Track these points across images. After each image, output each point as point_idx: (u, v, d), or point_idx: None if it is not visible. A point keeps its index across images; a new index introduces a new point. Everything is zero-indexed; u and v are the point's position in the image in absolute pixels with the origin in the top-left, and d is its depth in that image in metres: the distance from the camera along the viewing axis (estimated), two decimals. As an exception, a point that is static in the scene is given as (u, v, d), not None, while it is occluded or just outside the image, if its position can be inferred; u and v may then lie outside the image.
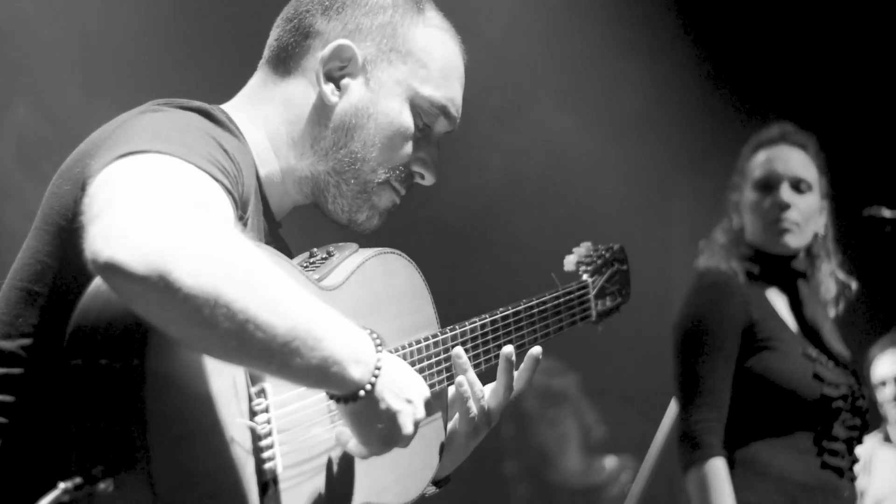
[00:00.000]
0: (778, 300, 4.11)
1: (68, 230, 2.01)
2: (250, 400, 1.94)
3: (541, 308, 2.60)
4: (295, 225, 2.53)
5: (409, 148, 2.35)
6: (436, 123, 2.38)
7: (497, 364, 2.45)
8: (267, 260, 1.83)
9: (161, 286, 1.70)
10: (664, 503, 6.22)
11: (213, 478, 1.87)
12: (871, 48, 6.63)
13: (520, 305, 2.55)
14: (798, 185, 4.12)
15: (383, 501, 2.22)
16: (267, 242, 2.23)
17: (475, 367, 2.41)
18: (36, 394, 2.02)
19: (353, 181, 2.32)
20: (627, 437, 6.11)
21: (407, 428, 2.02)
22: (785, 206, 4.08)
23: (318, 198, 2.34)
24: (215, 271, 1.73)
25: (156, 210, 1.73)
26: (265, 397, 1.96)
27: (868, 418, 4.05)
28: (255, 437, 1.94)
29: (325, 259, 2.21)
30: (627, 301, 2.91)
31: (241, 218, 2.05)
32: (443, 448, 2.41)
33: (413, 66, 2.34)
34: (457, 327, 2.38)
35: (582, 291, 2.75)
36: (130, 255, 1.69)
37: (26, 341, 2.04)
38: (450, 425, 2.47)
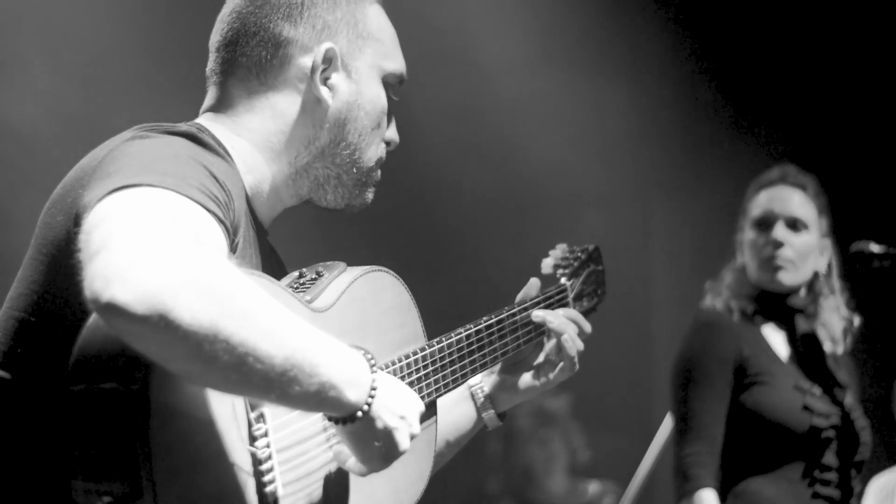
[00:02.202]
0: (774, 336, 4.26)
1: (62, 261, 2.03)
2: (250, 425, 1.99)
3: (523, 314, 2.67)
4: (279, 227, 2.57)
5: (385, 123, 2.43)
6: (396, 91, 2.46)
7: (485, 369, 2.58)
8: (261, 290, 1.87)
9: (161, 325, 1.74)
10: None
11: (216, 504, 1.91)
12: (861, 70, 6.66)
13: (503, 313, 2.62)
14: (794, 224, 4.25)
15: None
16: (258, 255, 2.27)
17: (462, 377, 2.48)
18: (31, 422, 2.05)
19: (354, 170, 2.39)
20: (612, 463, 6.17)
21: (404, 444, 2.08)
22: (778, 244, 4.21)
23: (317, 192, 2.40)
24: (213, 307, 1.77)
25: (152, 248, 1.77)
26: (264, 422, 2.01)
27: (863, 448, 4.17)
28: (256, 462, 1.98)
29: (315, 279, 2.24)
30: (604, 300, 2.96)
31: (233, 242, 2.08)
32: (433, 458, 2.46)
33: (376, 47, 2.40)
34: (443, 339, 2.44)
35: (561, 295, 2.81)
36: (130, 297, 1.72)
37: (23, 370, 2.07)
38: (535, 372, 2.72)
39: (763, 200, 4.31)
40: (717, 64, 6.75)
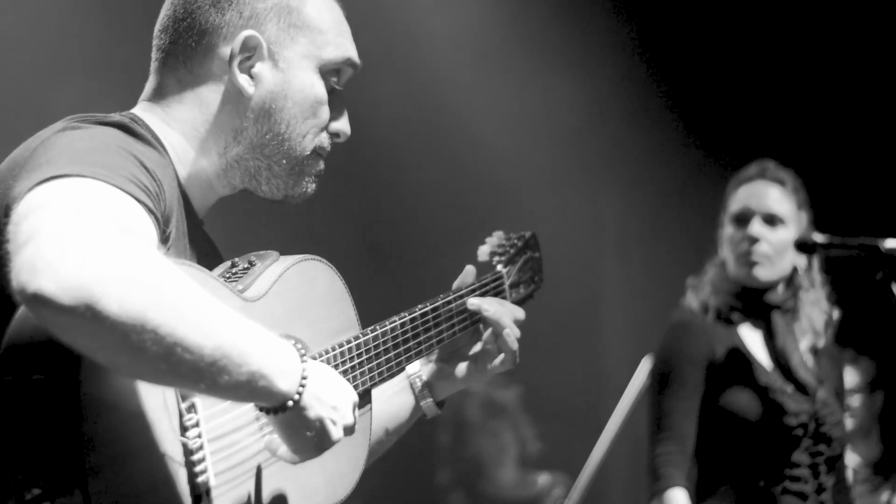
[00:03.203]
0: (750, 334, 4.31)
1: None
2: (181, 415, 1.99)
3: (458, 301, 2.66)
4: (218, 218, 2.56)
5: (326, 114, 2.39)
6: (342, 77, 2.43)
7: (420, 357, 2.57)
8: (190, 280, 1.87)
9: (88, 316, 1.73)
10: None
11: (147, 496, 1.92)
12: (808, 62, 6.70)
13: (438, 301, 2.61)
14: (771, 220, 4.28)
15: None
16: (192, 245, 2.26)
17: (397, 365, 2.48)
18: None
19: (284, 161, 2.36)
20: (562, 454, 6.19)
21: (336, 434, 2.08)
22: (754, 240, 4.24)
23: (250, 183, 2.38)
24: (141, 297, 1.77)
25: (80, 239, 1.76)
26: (195, 412, 2.01)
27: (835, 444, 4.24)
28: (188, 452, 1.98)
29: (247, 269, 2.24)
30: (540, 287, 2.96)
31: (165, 233, 2.08)
32: (369, 446, 2.46)
33: (312, 36, 2.37)
34: (377, 328, 2.43)
35: (497, 282, 2.80)
36: (57, 287, 1.72)
37: None
38: (472, 362, 2.72)
39: (741, 196, 4.34)
40: (664, 57, 6.77)
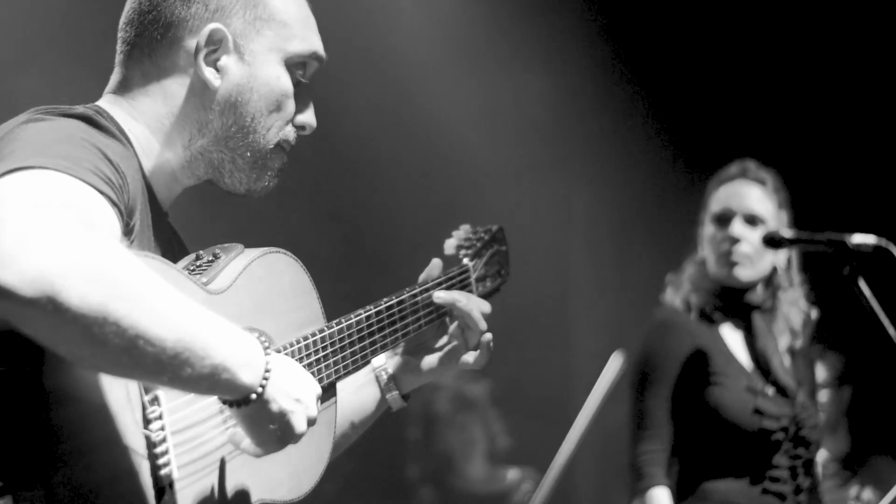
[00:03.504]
0: (732, 334, 4.32)
1: None
2: (144, 408, 1.98)
3: (424, 295, 2.66)
4: (185, 210, 2.56)
5: (291, 107, 2.39)
6: (308, 70, 2.42)
7: (386, 350, 2.57)
8: (153, 273, 1.87)
9: (50, 309, 1.73)
10: None
11: (110, 488, 1.91)
12: (776, 57, 6.72)
13: (403, 294, 2.61)
14: (752, 220, 4.28)
15: (277, 497, 2.27)
16: (156, 237, 2.26)
17: (363, 359, 2.48)
18: None
19: (248, 154, 2.35)
20: (531, 449, 6.20)
21: (299, 427, 2.08)
22: (735, 240, 4.24)
23: (214, 174, 2.37)
24: (103, 290, 1.77)
25: (42, 231, 1.76)
26: (159, 404, 2.00)
27: (813, 447, 4.26)
28: (150, 445, 1.98)
29: (212, 262, 2.23)
30: (507, 281, 2.96)
31: (128, 225, 2.08)
32: (334, 439, 2.46)
33: (278, 29, 2.36)
34: (343, 321, 2.43)
35: (463, 276, 2.80)
36: (18, 280, 1.72)
37: None
38: (442, 354, 2.72)
39: (722, 196, 4.34)
40: (635, 53, 6.78)
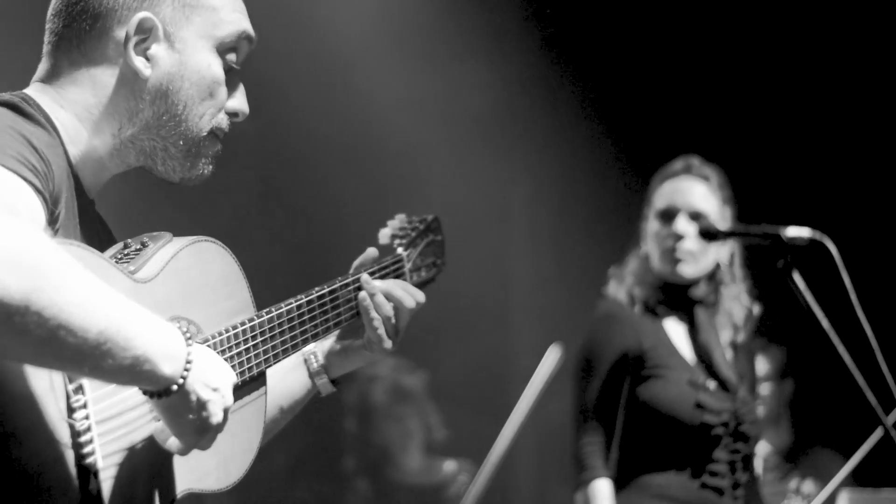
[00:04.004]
0: (675, 328, 4.32)
1: None
2: (68, 397, 1.96)
3: (356, 284, 2.65)
4: (114, 199, 2.53)
5: (223, 94, 2.37)
6: (238, 54, 2.40)
7: (317, 340, 2.56)
8: (76, 263, 1.85)
9: None
10: None
11: (34, 478, 1.90)
12: (716, 52, 6.74)
13: (335, 283, 2.60)
14: (696, 216, 4.27)
15: (205, 486, 2.25)
16: (82, 225, 2.23)
17: (293, 347, 2.46)
18: None
19: (181, 142, 2.33)
20: (467, 441, 6.19)
21: (216, 416, 2.07)
22: (679, 237, 4.23)
23: (146, 162, 2.35)
24: (24, 279, 1.75)
25: None
26: (83, 393, 1.98)
27: (752, 442, 4.28)
28: (75, 434, 1.96)
29: (140, 250, 2.21)
30: (442, 271, 2.95)
31: (53, 213, 2.06)
32: (264, 428, 2.44)
33: (207, 15, 2.34)
34: (273, 310, 2.41)
35: (397, 265, 2.79)
36: None
37: None
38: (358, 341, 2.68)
39: (666, 192, 4.34)
40: (575, 47, 6.79)
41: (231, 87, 2.39)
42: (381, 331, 2.66)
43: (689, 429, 4.13)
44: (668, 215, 4.31)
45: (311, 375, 2.71)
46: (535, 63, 6.72)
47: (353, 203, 6.19)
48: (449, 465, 6.19)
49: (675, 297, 4.31)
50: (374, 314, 2.65)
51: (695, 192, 4.32)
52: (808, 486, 5.89)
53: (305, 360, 2.71)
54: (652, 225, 4.33)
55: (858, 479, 5.30)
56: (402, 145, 6.46)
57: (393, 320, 2.68)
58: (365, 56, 6.35)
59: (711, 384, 4.21)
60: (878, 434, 4.56)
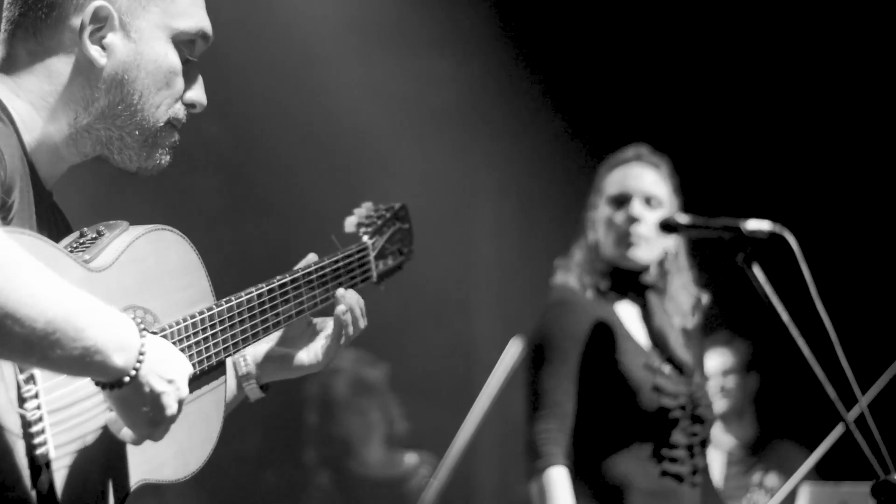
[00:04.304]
0: (627, 312, 4.27)
1: None
2: (19, 387, 1.95)
3: (319, 273, 2.62)
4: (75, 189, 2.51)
5: (180, 84, 2.35)
6: (196, 49, 2.39)
7: (279, 329, 2.52)
8: (25, 252, 1.84)
9: None
10: (462, 500, 6.32)
11: (-16, 468, 1.87)
12: (675, 48, 6.76)
13: (297, 272, 2.57)
14: (649, 201, 4.26)
15: (161, 477, 2.23)
16: (38, 215, 2.21)
17: (254, 336, 2.44)
18: None
19: (136, 132, 2.31)
20: (429, 434, 6.18)
21: (171, 408, 2.05)
22: (634, 220, 4.22)
23: (103, 151, 2.33)
24: None
25: None
26: (34, 383, 1.97)
27: (707, 426, 4.23)
28: (26, 424, 1.94)
29: (95, 239, 2.19)
30: (410, 259, 2.93)
31: (6, 203, 2.04)
32: (222, 418, 2.42)
33: (164, 6, 2.32)
34: (232, 298, 2.39)
35: (362, 253, 2.76)
36: None
37: None
38: (309, 350, 2.64)
39: (619, 178, 4.31)
40: (536, 40, 6.80)
41: (188, 79, 2.37)
42: (342, 342, 2.66)
43: (647, 412, 4.09)
44: (621, 200, 4.28)
45: (238, 379, 2.65)
46: (498, 57, 6.72)
47: (317, 193, 6.16)
48: (410, 458, 6.17)
49: (625, 282, 4.28)
50: (351, 330, 2.64)
51: (647, 178, 4.30)
52: (772, 479, 5.90)
53: (234, 364, 2.65)
54: (603, 211, 4.30)
55: (821, 472, 5.33)
56: (368, 137, 6.45)
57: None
58: (330, 49, 6.34)
59: (667, 367, 4.18)
60: (839, 430, 4.58)
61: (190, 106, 2.38)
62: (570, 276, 4.30)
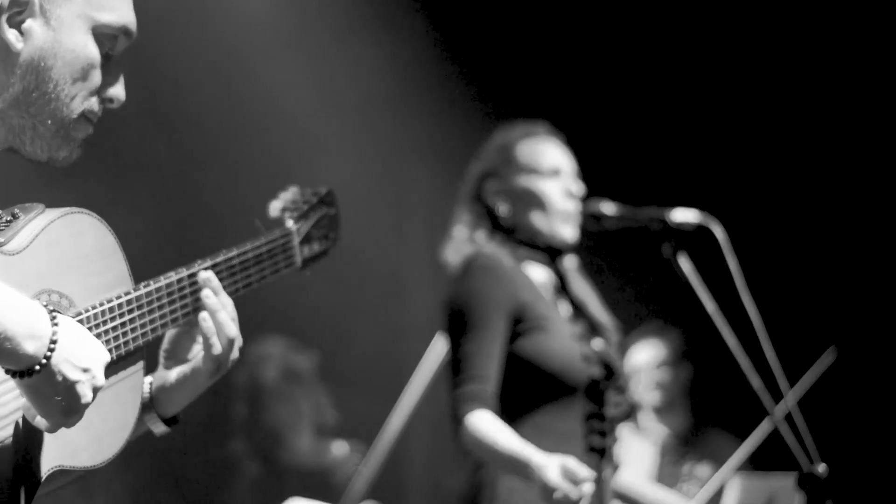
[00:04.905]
0: (545, 281, 4.12)
1: None
2: None
3: (242, 258, 2.58)
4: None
5: (97, 77, 2.31)
6: (117, 45, 2.34)
7: (197, 315, 2.46)
8: None
9: None
10: (392, 489, 6.30)
11: None
12: (606, 45, 6.77)
13: (219, 257, 2.53)
14: (576, 178, 4.15)
15: (77, 464, 2.20)
16: None
17: (173, 321, 2.41)
18: None
19: (49, 122, 2.27)
20: (358, 423, 6.15)
21: (86, 397, 2.02)
22: (576, 196, 4.10)
23: (14, 142, 2.29)
24: None
25: None
26: None
27: (627, 398, 4.07)
28: None
29: (10, 222, 2.16)
30: (335, 245, 2.90)
31: None
32: (141, 406, 2.39)
33: None
34: (151, 283, 2.36)
35: (285, 238, 2.72)
36: None
37: None
38: (190, 365, 2.48)
39: (547, 150, 4.17)
40: (465, 33, 6.81)
41: (108, 73, 2.33)
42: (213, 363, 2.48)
43: (577, 383, 3.92)
44: (558, 174, 4.14)
45: (142, 409, 2.44)
46: (427, 44, 6.72)
47: (245, 179, 6.11)
48: (339, 447, 6.15)
49: (548, 254, 4.14)
50: (215, 345, 2.46)
51: (567, 155, 4.20)
52: (703, 469, 5.93)
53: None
54: (530, 183, 4.13)
55: (754, 462, 5.37)
56: (297, 123, 6.42)
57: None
58: (262, 33, 6.31)
59: (592, 337, 4.02)
60: (767, 423, 4.60)
61: (108, 100, 2.34)
62: (490, 244, 4.12)
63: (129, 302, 2.29)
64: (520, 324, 3.98)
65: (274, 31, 6.35)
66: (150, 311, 2.34)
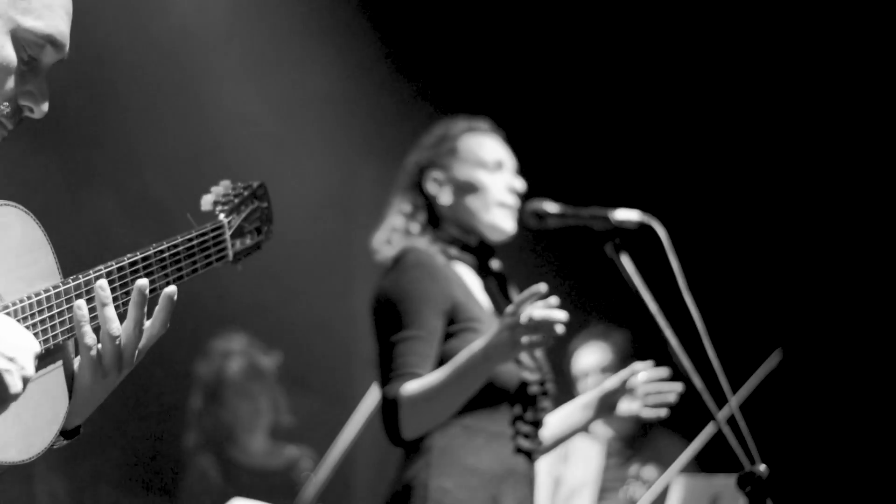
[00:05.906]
0: (473, 281, 4.05)
1: None
2: None
3: (172, 252, 2.54)
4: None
5: (12, 83, 2.26)
6: (43, 55, 2.29)
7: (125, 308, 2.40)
8: None
9: None
10: (342, 496, 6.29)
11: None
12: (552, 44, 6.79)
13: (149, 250, 2.49)
14: (517, 175, 4.13)
15: (5, 458, 2.17)
16: None
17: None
18: None
19: None
20: (313, 428, 6.14)
21: (15, 387, 2.01)
22: (517, 191, 4.04)
23: None
24: None
25: None
26: None
27: (552, 402, 3.98)
28: None
29: None
30: (269, 239, 2.87)
31: None
32: (70, 400, 2.36)
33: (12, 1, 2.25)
34: (80, 276, 2.33)
35: (217, 232, 2.69)
36: None
37: None
38: (76, 369, 2.38)
39: (488, 144, 4.11)
40: (414, 32, 6.82)
41: (28, 81, 2.28)
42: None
43: (508, 386, 3.84)
44: (499, 167, 4.07)
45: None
46: (371, 42, 6.72)
47: (182, 174, 6.07)
48: (291, 450, 6.13)
49: (471, 250, 4.06)
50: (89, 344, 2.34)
51: (509, 151, 4.14)
52: (649, 471, 5.93)
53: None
54: (470, 174, 4.06)
55: (700, 463, 5.38)
56: (243, 123, 6.41)
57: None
58: (207, 29, 6.30)
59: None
60: (712, 425, 4.60)
61: (27, 108, 2.29)
62: (421, 241, 4.03)
63: (57, 295, 2.26)
64: (452, 324, 3.89)
65: (216, 27, 6.33)
66: None
